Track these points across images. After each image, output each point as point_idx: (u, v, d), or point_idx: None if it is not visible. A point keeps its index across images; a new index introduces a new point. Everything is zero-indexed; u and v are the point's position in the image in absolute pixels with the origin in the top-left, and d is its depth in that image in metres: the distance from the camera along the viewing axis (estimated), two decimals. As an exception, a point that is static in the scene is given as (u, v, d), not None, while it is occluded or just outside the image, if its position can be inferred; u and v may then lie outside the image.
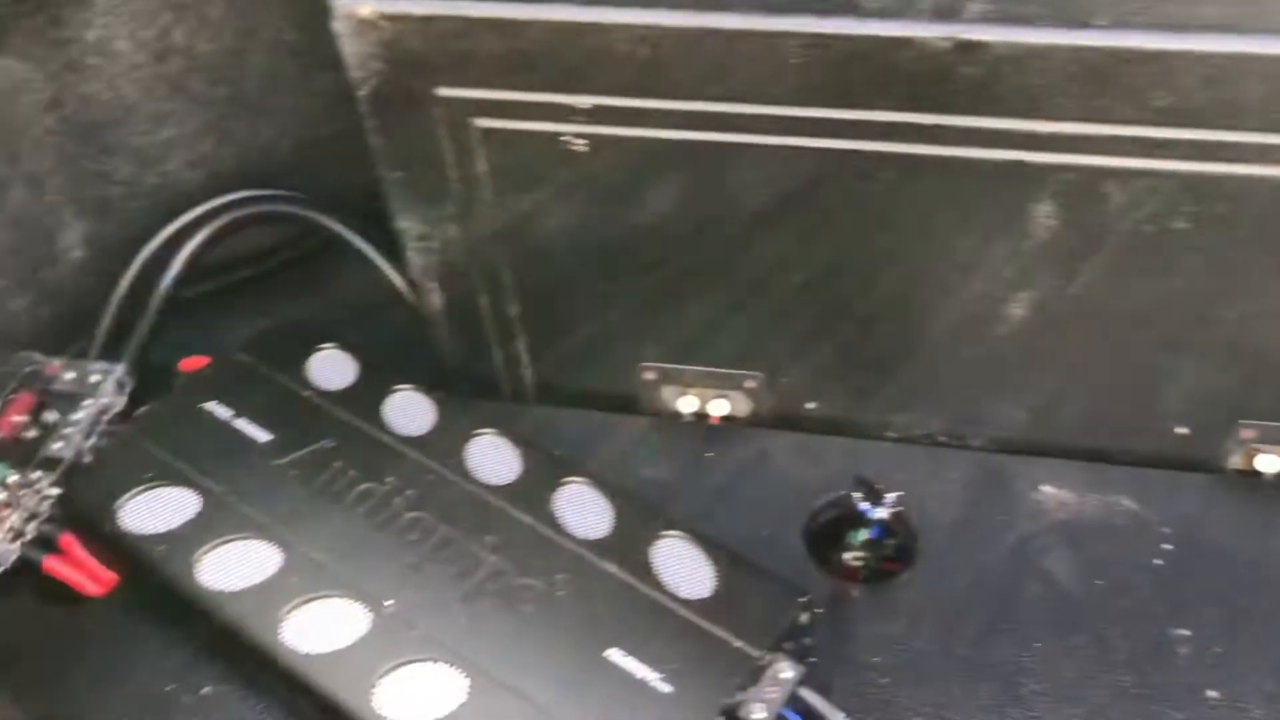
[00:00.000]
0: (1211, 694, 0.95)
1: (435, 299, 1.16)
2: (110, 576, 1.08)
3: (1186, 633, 0.99)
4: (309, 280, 1.49)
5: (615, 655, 0.88)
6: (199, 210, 1.32)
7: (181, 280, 1.30)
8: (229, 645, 0.97)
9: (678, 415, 1.23)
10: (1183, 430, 1.10)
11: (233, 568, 0.96)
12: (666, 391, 1.22)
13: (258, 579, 0.95)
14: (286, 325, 1.19)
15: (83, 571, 1.08)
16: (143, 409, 1.12)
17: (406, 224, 1.09)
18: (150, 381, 1.24)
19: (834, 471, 1.15)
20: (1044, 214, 0.95)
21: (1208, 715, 0.94)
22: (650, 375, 1.19)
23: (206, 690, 0.99)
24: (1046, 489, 1.12)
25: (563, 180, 1.03)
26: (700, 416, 1.22)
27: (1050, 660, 0.99)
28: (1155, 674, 0.97)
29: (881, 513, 1.07)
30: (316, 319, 1.42)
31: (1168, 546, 1.06)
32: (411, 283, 1.19)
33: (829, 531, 1.11)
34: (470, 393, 1.24)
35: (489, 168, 1.02)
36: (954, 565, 1.07)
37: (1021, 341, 1.07)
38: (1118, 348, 1.05)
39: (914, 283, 1.06)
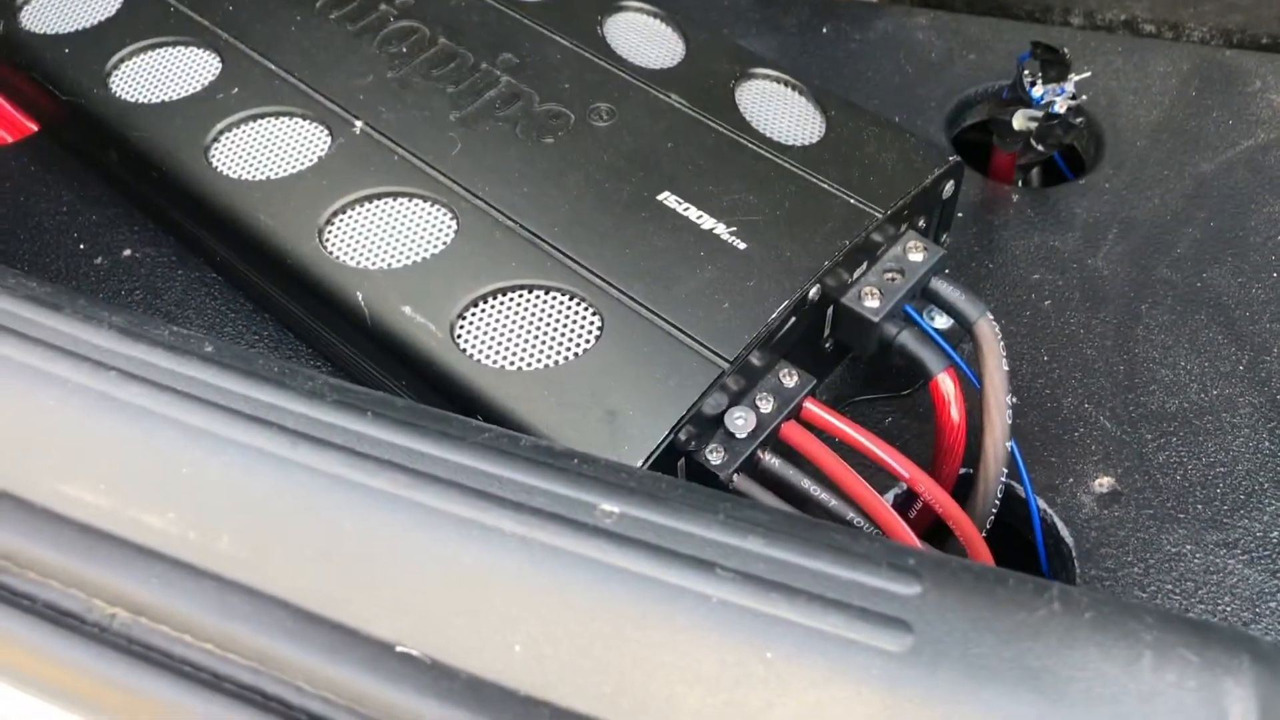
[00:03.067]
0: None
1: None
2: (27, 128, 0.83)
3: None
4: None
5: (670, 200, 0.61)
6: None
7: None
8: (154, 194, 0.73)
9: (784, -12, 0.91)
10: None
11: (156, 77, 0.70)
12: (771, -44, 0.90)
13: (185, 90, 0.69)
14: None
15: (-6, 114, 0.83)
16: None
17: None
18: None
19: (992, 58, 0.84)
20: None
21: None
22: (751, -86, 0.87)
23: (126, 253, 0.75)
24: (1296, 92, 0.80)
25: None
26: (813, -11, 0.91)
27: (1293, 294, 0.69)
28: None
29: (1058, 98, 0.76)
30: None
31: None
32: None
33: (982, 128, 0.81)
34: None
35: None
36: (1155, 174, 0.76)
37: None
38: None
39: None
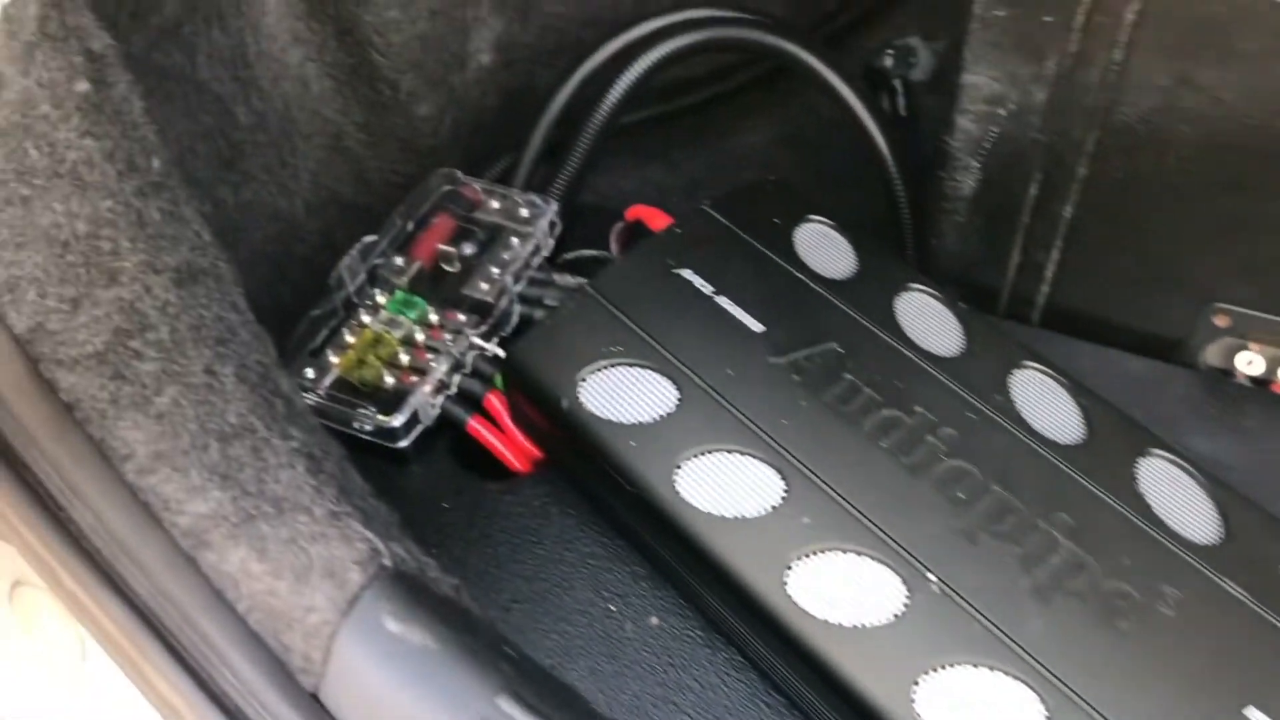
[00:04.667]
0: None
1: (967, 181, 0.91)
2: (535, 453, 0.91)
3: None
4: (744, 114, 1.27)
5: (1257, 716, 0.65)
6: (650, 26, 1.09)
7: (620, 108, 1.09)
8: (689, 568, 0.80)
9: (1229, 373, 0.96)
10: None
11: (721, 486, 0.77)
12: (1219, 343, 0.95)
13: (757, 509, 0.75)
14: (764, 183, 0.97)
15: (506, 442, 0.92)
16: (608, 267, 0.91)
17: (977, 79, 0.83)
18: (571, 223, 1.06)
19: None
20: None
21: None
22: (1223, 321, 0.92)
23: (654, 621, 0.82)
24: None
25: (1251, 49, 0.75)
26: (1261, 381, 0.95)
27: None
28: None
29: None
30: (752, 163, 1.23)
31: None
32: (924, 153, 0.95)
33: None
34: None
35: (1140, 11, 0.75)
36: None
37: None
38: None
39: None
